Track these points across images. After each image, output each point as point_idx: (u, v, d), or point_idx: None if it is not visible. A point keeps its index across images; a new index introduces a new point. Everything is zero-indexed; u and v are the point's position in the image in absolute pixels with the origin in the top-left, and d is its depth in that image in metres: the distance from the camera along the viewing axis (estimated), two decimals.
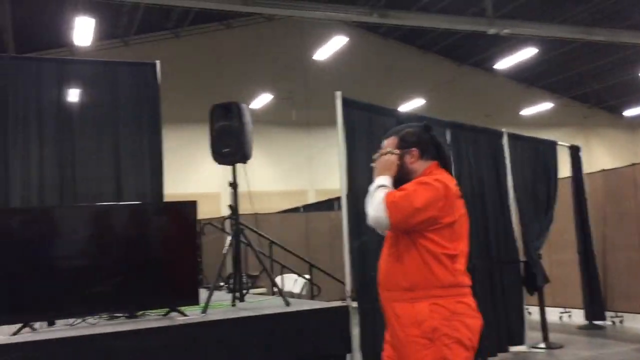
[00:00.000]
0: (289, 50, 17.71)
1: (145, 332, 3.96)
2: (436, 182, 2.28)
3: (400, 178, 2.43)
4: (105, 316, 4.40)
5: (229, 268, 5.47)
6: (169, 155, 8.36)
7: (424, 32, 18.20)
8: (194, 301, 4.47)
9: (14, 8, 12.51)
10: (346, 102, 4.99)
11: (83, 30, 12.29)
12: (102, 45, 14.90)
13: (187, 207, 4.61)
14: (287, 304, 4.63)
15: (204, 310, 4.43)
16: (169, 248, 4.63)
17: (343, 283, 5.08)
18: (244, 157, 4.97)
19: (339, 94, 4.95)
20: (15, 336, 3.84)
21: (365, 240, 4.92)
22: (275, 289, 5.13)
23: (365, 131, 5.14)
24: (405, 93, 19.71)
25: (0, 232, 4.13)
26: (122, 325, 4.16)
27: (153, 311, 4.53)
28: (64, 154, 7.84)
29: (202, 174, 16.63)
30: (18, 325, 3.94)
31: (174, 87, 10.39)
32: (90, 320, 4.28)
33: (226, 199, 16.81)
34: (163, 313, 4.48)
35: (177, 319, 4.30)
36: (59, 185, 7.78)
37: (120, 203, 6.37)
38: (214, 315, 4.39)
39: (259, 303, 5.05)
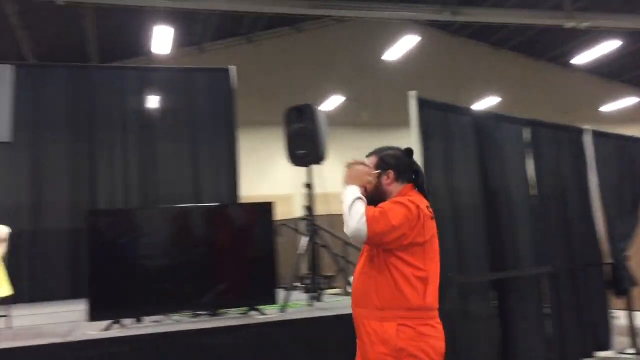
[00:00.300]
0: (359, 51, 17.71)
1: (226, 330, 4.08)
2: (409, 203, 2.35)
3: (375, 197, 2.48)
4: (188, 314, 4.56)
5: (302, 268, 5.53)
6: (243, 157, 8.58)
7: (496, 28, 17.73)
8: (272, 300, 4.56)
9: (98, 20, 13.18)
10: (420, 102, 4.94)
11: (161, 39, 12.78)
12: (178, 52, 15.41)
13: (265, 208, 4.72)
14: None
15: (282, 309, 4.51)
16: (248, 248, 4.75)
17: None
18: (318, 158, 5.03)
19: (413, 93, 4.92)
20: (106, 332, 4.04)
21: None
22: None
23: (440, 131, 5.07)
24: (479, 91, 19.27)
25: (92, 231, 4.36)
26: (204, 322, 4.31)
27: (233, 309, 4.66)
28: (145, 157, 8.21)
29: (275, 175, 16.90)
30: (108, 322, 4.15)
31: (247, 91, 10.61)
32: (175, 317, 4.45)
33: (299, 201, 16.96)
34: (242, 311, 4.60)
35: (256, 317, 4.40)
36: (141, 187, 8.14)
37: (201, 204, 6.58)
38: (291, 314, 4.46)
39: (335, 303, 5.09)
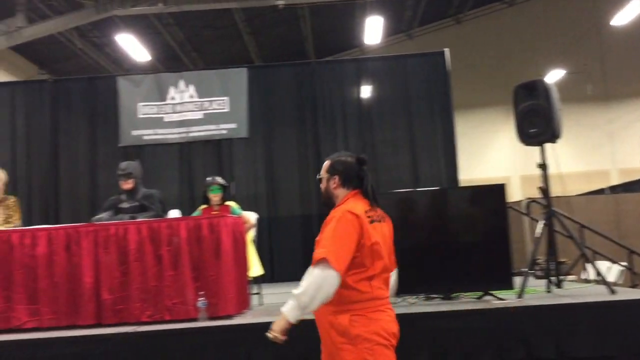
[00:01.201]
0: (581, 19, 16.19)
1: (462, 314, 4.03)
2: (346, 214, 2.49)
3: (325, 198, 2.71)
4: (422, 297, 4.61)
5: (537, 253, 5.23)
6: (458, 141, 8.41)
7: None
8: (508, 285, 4.40)
9: (312, 19, 13.95)
10: None
11: (372, 30, 13.07)
12: (388, 41, 15.65)
13: (496, 191, 4.56)
14: (612, 292, 4.25)
15: (520, 295, 4.32)
16: (479, 232, 4.64)
17: None
18: (553, 136, 4.71)
19: None
20: None
21: None
22: (595, 277, 4.75)
23: None
24: None
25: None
26: (439, 306, 4.31)
27: (466, 293, 4.59)
28: (365, 145, 8.50)
29: (489, 158, 16.31)
30: None
31: (459, 73, 10.36)
32: (409, 300, 4.53)
33: (516, 183, 16.12)
34: (477, 296, 4.51)
35: (492, 302, 4.28)
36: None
37: (431, 188, 6.57)
38: (531, 300, 4.26)
39: (577, 290, 4.74)
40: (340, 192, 2.67)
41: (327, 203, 2.70)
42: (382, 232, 2.63)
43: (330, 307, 2.53)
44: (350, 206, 2.55)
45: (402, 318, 3.99)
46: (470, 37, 16.31)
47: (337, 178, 2.67)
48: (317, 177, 2.78)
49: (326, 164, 2.73)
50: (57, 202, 8.20)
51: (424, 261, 4.53)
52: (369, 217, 2.56)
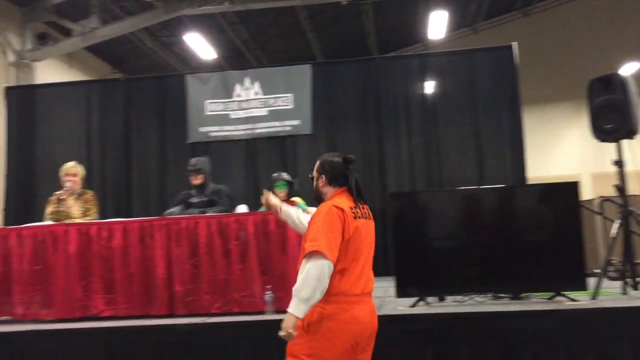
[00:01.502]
0: None
1: (534, 314, 3.94)
2: (331, 209, 2.69)
3: (315, 195, 2.95)
4: (489, 295, 4.52)
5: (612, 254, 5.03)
6: (526, 137, 8.18)
7: None
8: (581, 286, 4.26)
9: (375, 14, 13.88)
10: None
11: (436, 25, 12.89)
12: (452, 36, 15.37)
13: (569, 189, 4.42)
14: None
15: (594, 297, 4.18)
16: (550, 231, 4.51)
17: None
18: (630, 132, 4.52)
19: None
20: (413, 308, 4.24)
21: None
22: None
23: None
24: None
25: (395, 213, 4.61)
26: (508, 305, 4.23)
27: (536, 294, 4.48)
28: (429, 141, 8.39)
29: (559, 155, 15.76)
30: (415, 299, 4.34)
31: (527, 67, 10.04)
32: (477, 298, 4.46)
33: (586, 181, 15.47)
34: (548, 297, 4.39)
35: (565, 303, 4.16)
36: (426, 170, 8.35)
37: (498, 185, 6.45)
38: (605, 302, 4.11)
39: None
40: (328, 190, 2.88)
41: (318, 199, 2.94)
42: (366, 229, 2.81)
43: None
44: (336, 202, 2.75)
45: (469, 317, 3.98)
46: (538, 30, 15.78)
47: (324, 177, 2.88)
48: (310, 175, 3.00)
49: (317, 163, 2.96)
50: (129, 196, 8.52)
51: (492, 259, 4.46)
52: (353, 213, 2.74)
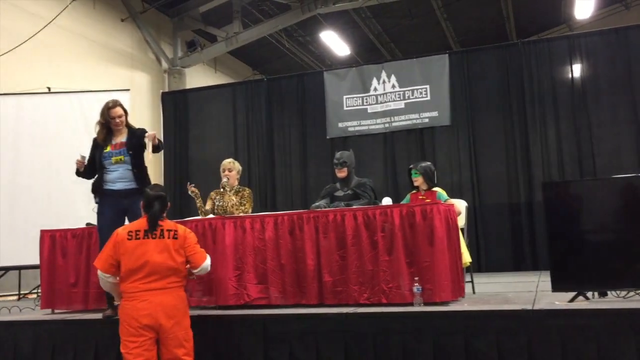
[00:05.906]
0: None
1: None
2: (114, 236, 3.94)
3: None
4: None
5: None
6: None
7: None
8: None
9: None
10: None
11: (583, 2, 12.03)
12: (599, 14, 14.28)
13: None
14: None
15: None
16: None
17: None
18: None
19: None
20: (571, 303, 4.00)
21: None
22: None
23: None
24: None
25: (548, 203, 4.38)
26: None
27: None
28: (580, 128, 7.85)
29: None
30: (573, 293, 4.10)
31: None
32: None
33: None
34: None
35: None
36: (576, 159, 7.83)
37: None
38: None
39: None
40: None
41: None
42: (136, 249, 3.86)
43: None
44: (124, 227, 4.09)
45: (633, 313, 3.67)
46: None
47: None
48: None
49: None
50: (273, 191, 8.91)
51: None
52: (130, 235, 3.88)
